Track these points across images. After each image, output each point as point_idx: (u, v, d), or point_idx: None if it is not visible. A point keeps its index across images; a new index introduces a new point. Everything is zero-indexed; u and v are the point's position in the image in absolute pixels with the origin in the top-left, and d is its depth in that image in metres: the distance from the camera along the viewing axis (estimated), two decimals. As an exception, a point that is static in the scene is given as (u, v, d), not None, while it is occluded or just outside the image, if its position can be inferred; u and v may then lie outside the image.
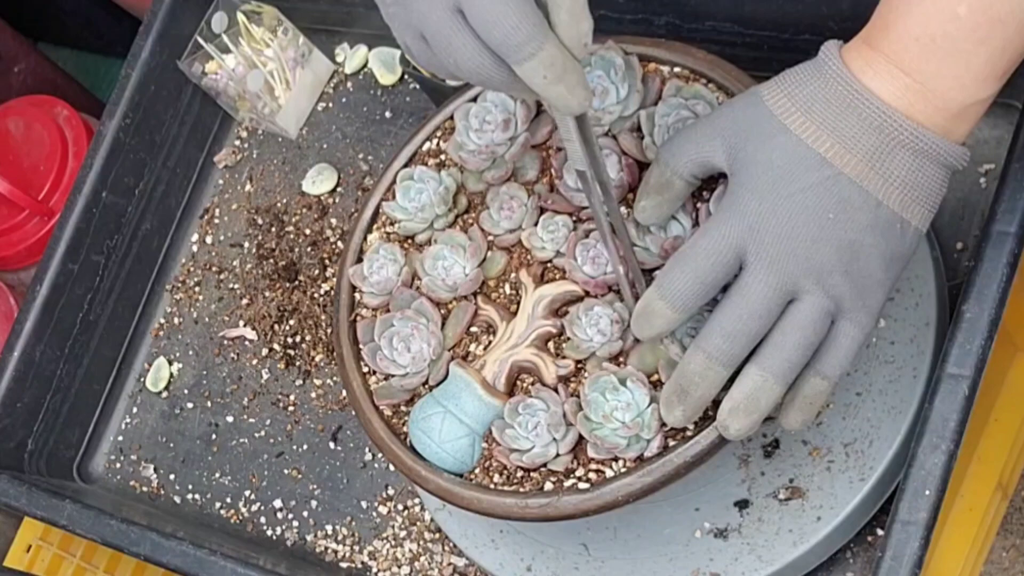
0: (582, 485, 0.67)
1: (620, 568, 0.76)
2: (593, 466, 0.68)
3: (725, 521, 0.75)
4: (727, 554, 0.74)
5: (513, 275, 0.74)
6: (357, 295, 0.78)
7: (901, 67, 0.60)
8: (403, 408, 0.74)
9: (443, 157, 0.79)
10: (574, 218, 0.73)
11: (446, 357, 0.73)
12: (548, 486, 0.68)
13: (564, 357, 0.70)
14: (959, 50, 0.58)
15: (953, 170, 0.62)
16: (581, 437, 0.68)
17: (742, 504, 0.75)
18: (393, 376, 0.74)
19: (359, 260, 0.79)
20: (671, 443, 0.66)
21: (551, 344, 0.71)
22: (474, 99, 0.78)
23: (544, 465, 0.69)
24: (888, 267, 0.61)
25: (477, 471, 0.71)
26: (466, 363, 0.72)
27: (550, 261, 0.73)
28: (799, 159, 0.60)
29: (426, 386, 0.74)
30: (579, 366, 0.70)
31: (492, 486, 0.70)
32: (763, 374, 0.61)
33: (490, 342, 0.73)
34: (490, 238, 0.75)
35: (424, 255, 0.76)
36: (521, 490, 0.69)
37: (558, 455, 0.68)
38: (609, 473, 0.67)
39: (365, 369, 0.76)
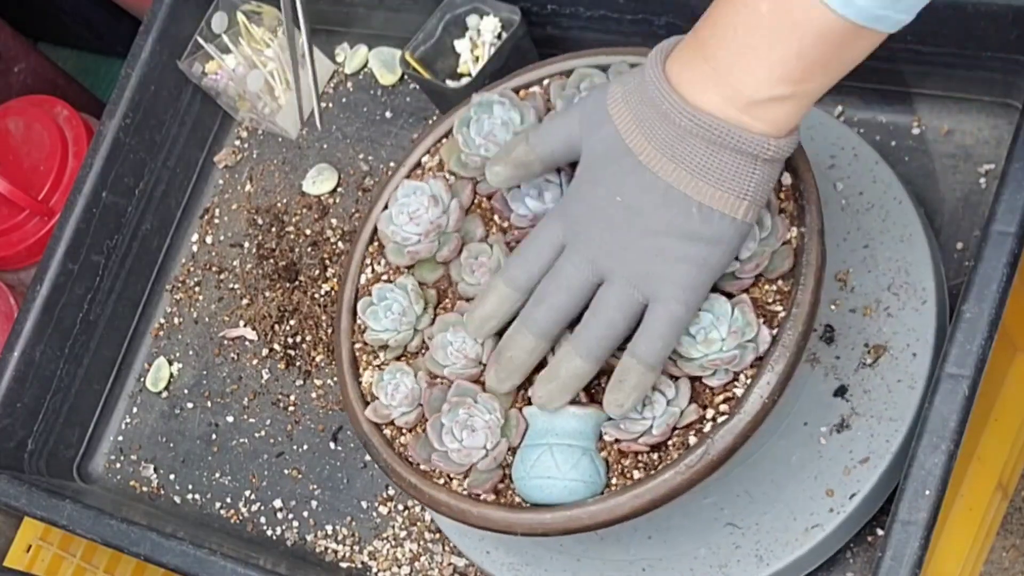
0: (721, 418, 0.66)
1: (777, 516, 0.74)
2: (719, 397, 0.67)
3: (837, 414, 0.74)
4: (861, 437, 0.73)
5: None
6: (387, 431, 0.75)
7: (704, 54, 0.62)
8: (501, 486, 0.71)
9: (385, 277, 0.79)
10: None
11: (514, 414, 0.71)
12: (691, 441, 0.67)
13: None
14: (754, 44, 0.60)
15: (765, 160, 0.62)
16: (692, 382, 0.68)
17: (840, 391, 0.74)
18: (478, 463, 0.71)
19: (366, 403, 0.76)
20: (775, 330, 0.66)
21: None
22: (384, 207, 0.79)
23: (675, 428, 0.68)
24: (687, 246, 0.63)
25: (613, 480, 0.69)
26: None
27: None
28: (612, 149, 0.65)
29: (511, 451, 0.71)
30: None
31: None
32: (567, 348, 0.67)
33: None
34: None
35: (430, 353, 0.74)
36: (668, 463, 0.67)
37: (682, 411, 0.67)
38: (739, 391, 0.66)
39: (442, 482, 0.72)
